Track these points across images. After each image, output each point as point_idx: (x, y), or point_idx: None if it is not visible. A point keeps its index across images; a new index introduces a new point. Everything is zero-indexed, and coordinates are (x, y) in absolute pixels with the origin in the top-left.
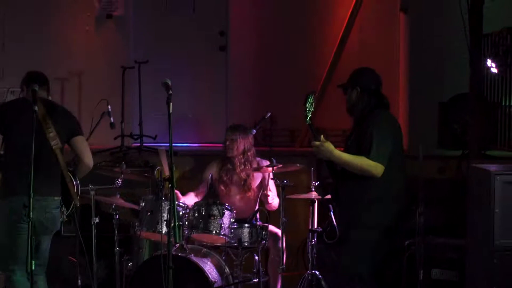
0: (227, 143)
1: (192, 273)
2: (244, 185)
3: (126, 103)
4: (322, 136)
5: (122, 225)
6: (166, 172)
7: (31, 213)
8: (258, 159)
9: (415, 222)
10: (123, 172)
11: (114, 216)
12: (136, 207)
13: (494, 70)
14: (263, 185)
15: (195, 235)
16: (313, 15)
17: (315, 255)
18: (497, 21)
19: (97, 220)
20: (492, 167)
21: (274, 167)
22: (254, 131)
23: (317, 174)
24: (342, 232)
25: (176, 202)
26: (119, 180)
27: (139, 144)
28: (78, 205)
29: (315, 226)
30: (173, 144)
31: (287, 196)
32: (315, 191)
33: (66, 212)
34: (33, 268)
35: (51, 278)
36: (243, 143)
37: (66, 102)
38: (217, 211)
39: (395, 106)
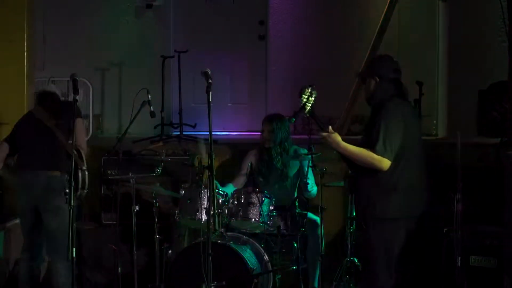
0: (265, 134)
1: (231, 260)
2: (282, 174)
3: (166, 93)
4: (330, 127)
5: (161, 213)
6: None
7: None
8: (296, 147)
9: (454, 209)
10: (163, 160)
11: (154, 204)
12: (176, 195)
13: None
14: (301, 173)
15: (234, 222)
16: (352, 3)
17: (354, 243)
18: None
19: (137, 208)
20: None
21: (313, 155)
22: (294, 119)
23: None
24: (360, 222)
25: (216, 190)
26: (159, 168)
27: (179, 133)
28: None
29: (353, 213)
30: (213, 133)
31: (326, 184)
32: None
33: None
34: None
35: (92, 266)
36: (280, 133)
37: (107, 92)
38: (256, 199)
39: (434, 94)
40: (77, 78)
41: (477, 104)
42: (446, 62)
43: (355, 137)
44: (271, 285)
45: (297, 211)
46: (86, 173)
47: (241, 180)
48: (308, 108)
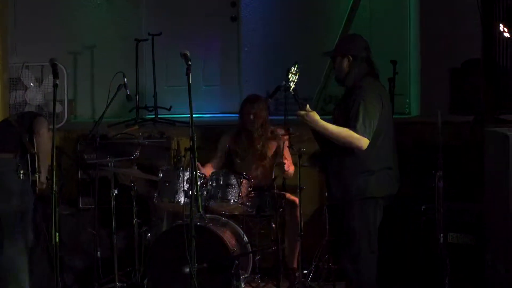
0: (250, 116)
1: (211, 242)
2: (260, 154)
3: (139, 76)
4: (307, 105)
5: (139, 197)
6: None
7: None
8: (272, 127)
9: (434, 187)
10: (141, 143)
11: (132, 187)
12: (154, 178)
13: (506, 34)
14: (278, 153)
15: (213, 204)
16: None
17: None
18: None
19: (116, 192)
20: (509, 131)
21: (291, 135)
22: (270, 100)
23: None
24: (337, 202)
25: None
26: (137, 152)
27: (153, 116)
28: None
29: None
30: (186, 115)
31: (303, 164)
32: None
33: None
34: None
35: (71, 251)
36: (263, 115)
37: (79, 76)
38: (235, 180)
39: (406, 73)
40: (56, 63)
41: (449, 82)
42: (418, 40)
43: (328, 117)
44: (250, 267)
45: (275, 191)
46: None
47: (218, 161)
48: (293, 86)
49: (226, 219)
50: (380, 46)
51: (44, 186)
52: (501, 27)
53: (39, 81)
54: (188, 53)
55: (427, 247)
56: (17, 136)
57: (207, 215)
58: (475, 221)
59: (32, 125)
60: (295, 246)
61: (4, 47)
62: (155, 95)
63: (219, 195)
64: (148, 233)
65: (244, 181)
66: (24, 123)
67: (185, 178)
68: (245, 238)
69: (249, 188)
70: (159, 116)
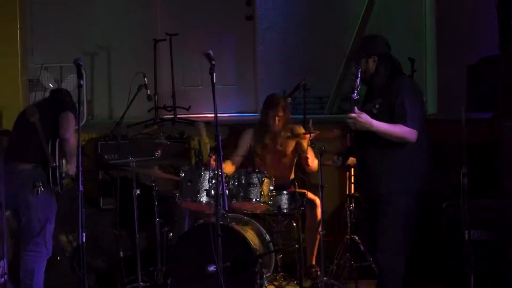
0: (276, 119)
1: (234, 241)
2: (280, 153)
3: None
4: (356, 107)
5: (161, 196)
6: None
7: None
8: (291, 125)
9: (458, 184)
10: (162, 143)
11: (154, 187)
12: (176, 177)
13: None
14: (299, 149)
15: (235, 203)
16: None
17: (354, 220)
18: None
19: (138, 191)
20: None
21: (312, 134)
22: (290, 99)
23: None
24: (374, 200)
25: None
26: (158, 151)
27: (172, 116)
28: None
29: (352, 191)
30: (205, 115)
31: (325, 163)
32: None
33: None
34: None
35: (92, 252)
36: (286, 117)
37: (96, 77)
38: (257, 179)
39: (423, 71)
40: (81, 63)
41: (467, 79)
42: (435, 38)
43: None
44: (273, 265)
45: (296, 190)
46: (58, 170)
47: (239, 159)
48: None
49: (248, 218)
50: (397, 44)
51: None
52: None
53: (58, 82)
54: (211, 52)
55: (449, 244)
56: (38, 144)
57: (229, 214)
58: (495, 217)
59: (60, 128)
60: (314, 245)
61: (23, 49)
62: (173, 95)
63: (241, 194)
64: (170, 233)
65: (266, 180)
66: (47, 123)
67: (207, 177)
68: (267, 236)
69: (270, 187)
70: (177, 116)
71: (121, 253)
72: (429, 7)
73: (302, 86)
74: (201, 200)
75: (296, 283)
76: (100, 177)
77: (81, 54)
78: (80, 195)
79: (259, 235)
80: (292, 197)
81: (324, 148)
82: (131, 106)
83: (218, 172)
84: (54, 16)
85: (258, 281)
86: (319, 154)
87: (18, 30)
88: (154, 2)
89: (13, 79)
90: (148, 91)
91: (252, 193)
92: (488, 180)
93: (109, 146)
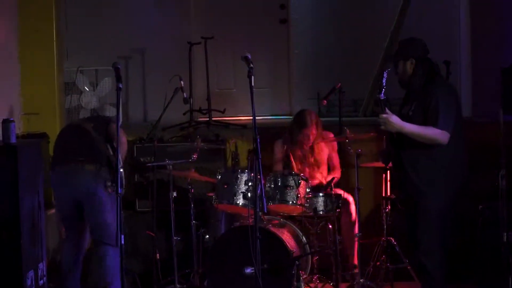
0: (311, 137)
1: (271, 243)
2: (315, 161)
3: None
4: (387, 108)
5: (197, 199)
6: None
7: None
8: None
9: (495, 186)
10: (199, 147)
11: (190, 190)
12: (212, 180)
13: None
14: (330, 160)
15: (271, 205)
16: None
17: (389, 222)
18: None
19: (175, 194)
20: None
21: (349, 137)
22: (325, 102)
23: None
24: (411, 201)
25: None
26: (195, 154)
27: (207, 119)
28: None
29: (388, 193)
30: (238, 118)
31: (361, 165)
32: (380, 159)
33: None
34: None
35: (129, 254)
36: (319, 132)
37: (131, 79)
38: (293, 181)
39: (457, 73)
40: (119, 67)
41: (501, 81)
42: (469, 41)
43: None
44: (309, 267)
45: (332, 192)
46: (121, 170)
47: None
48: (383, 90)
49: (284, 220)
50: (430, 47)
51: None
52: None
53: (94, 85)
54: (249, 55)
55: (485, 247)
56: (98, 147)
57: (266, 217)
58: None
59: (111, 133)
60: (353, 244)
61: (59, 52)
62: (208, 98)
63: (278, 196)
64: (206, 235)
65: (302, 182)
66: (101, 130)
67: (244, 180)
68: (304, 239)
69: (307, 189)
70: (212, 118)
71: (158, 255)
72: (464, 9)
73: (338, 89)
74: (238, 202)
75: (332, 285)
76: (135, 179)
77: (115, 57)
78: (119, 198)
79: (296, 237)
80: (328, 199)
81: (360, 150)
82: (168, 109)
83: (256, 175)
84: (89, 20)
85: (295, 283)
86: (355, 157)
87: (54, 34)
88: (188, 5)
89: (49, 82)
90: (185, 94)
91: (289, 195)
92: None
93: (144, 149)
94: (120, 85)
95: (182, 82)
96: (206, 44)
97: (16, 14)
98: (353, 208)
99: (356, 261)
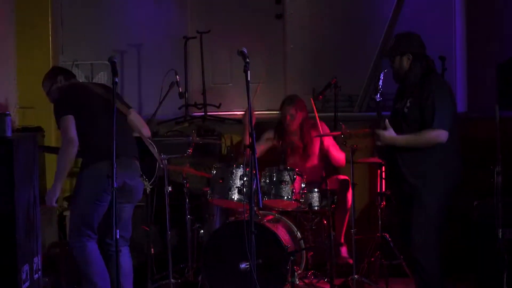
0: (288, 117)
1: (266, 238)
2: (305, 151)
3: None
4: (386, 120)
5: (192, 194)
6: None
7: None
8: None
9: (491, 182)
10: (194, 141)
11: (185, 184)
12: (207, 175)
13: None
14: (322, 148)
15: (266, 200)
16: None
17: (384, 218)
18: None
19: (170, 189)
20: None
21: (345, 132)
22: (321, 97)
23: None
24: (405, 196)
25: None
26: (190, 149)
27: (203, 113)
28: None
29: (383, 189)
30: (234, 112)
31: (357, 160)
32: (376, 154)
33: (149, 183)
34: (117, 237)
35: None
36: (301, 116)
37: (126, 74)
38: (288, 177)
39: (452, 69)
40: (115, 61)
41: (496, 77)
42: (464, 36)
43: (374, 114)
44: (304, 263)
45: (327, 188)
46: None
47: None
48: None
49: (279, 215)
50: (426, 42)
51: None
52: None
53: (89, 79)
54: (245, 50)
55: (480, 243)
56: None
57: (260, 211)
58: None
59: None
60: (343, 221)
61: (55, 46)
62: (204, 93)
63: (273, 191)
64: (201, 230)
65: (297, 178)
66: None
67: (239, 175)
68: (299, 234)
69: (302, 185)
70: (208, 113)
71: (152, 249)
72: (459, 5)
73: (333, 84)
74: (233, 197)
75: (327, 280)
76: None
77: (111, 51)
78: (113, 192)
79: (290, 232)
80: (322, 194)
81: (356, 146)
82: (163, 103)
83: (252, 169)
84: (84, 14)
85: (290, 278)
86: (350, 152)
87: (50, 28)
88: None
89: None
90: (180, 88)
91: (284, 190)
92: None
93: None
94: (116, 79)
95: (177, 77)
96: (201, 39)
97: (12, 8)
98: (351, 192)
99: (342, 240)
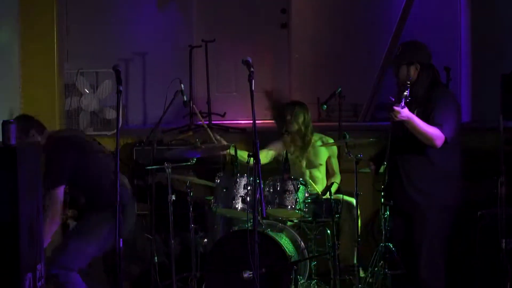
0: (288, 117)
1: (269, 248)
2: (310, 161)
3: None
4: (406, 93)
5: (196, 202)
6: None
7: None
8: (320, 135)
9: (494, 192)
10: (198, 150)
11: (189, 193)
12: (211, 183)
13: None
14: (329, 165)
15: (270, 210)
16: None
17: (388, 228)
18: None
19: (173, 197)
20: None
21: (348, 142)
22: (325, 106)
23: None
24: (407, 209)
25: (251, 178)
26: (194, 158)
27: (207, 122)
28: None
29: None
30: (240, 121)
31: (360, 170)
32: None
33: None
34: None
35: (126, 257)
36: (302, 117)
37: (131, 82)
38: (292, 186)
39: (457, 79)
40: (119, 69)
41: (500, 88)
42: (469, 47)
43: (378, 124)
44: (307, 272)
45: (331, 197)
46: None
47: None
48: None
49: (282, 225)
50: (431, 53)
51: None
52: None
53: (94, 88)
54: (249, 59)
55: (484, 254)
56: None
57: (264, 221)
58: None
59: None
60: (353, 244)
61: (60, 54)
62: (208, 101)
63: (277, 201)
64: (204, 239)
65: (301, 187)
66: None
67: (243, 184)
68: (302, 243)
69: (306, 194)
70: (212, 122)
71: (156, 258)
72: (464, 15)
73: (338, 93)
74: (236, 206)
75: None
76: (134, 182)
77: (116, 59)
78: (118, 200)
79: (294, 242)
80: (327, 204)
81: (360, 155)
82: (167, 112)
83: (255, 179)
84: (90, 22)
85: None
86: (355, 162)
87: (55, 36)
88: (189, 8)
89: (49, 84)
90: (185, 97)
91: (288, 200)
92: None
93: (144, 152)
94: (121, 88)
95: (182, 86)
96: (207, 47)
97: (17, 16)
98: (355, 212)
99: (356, 261)
